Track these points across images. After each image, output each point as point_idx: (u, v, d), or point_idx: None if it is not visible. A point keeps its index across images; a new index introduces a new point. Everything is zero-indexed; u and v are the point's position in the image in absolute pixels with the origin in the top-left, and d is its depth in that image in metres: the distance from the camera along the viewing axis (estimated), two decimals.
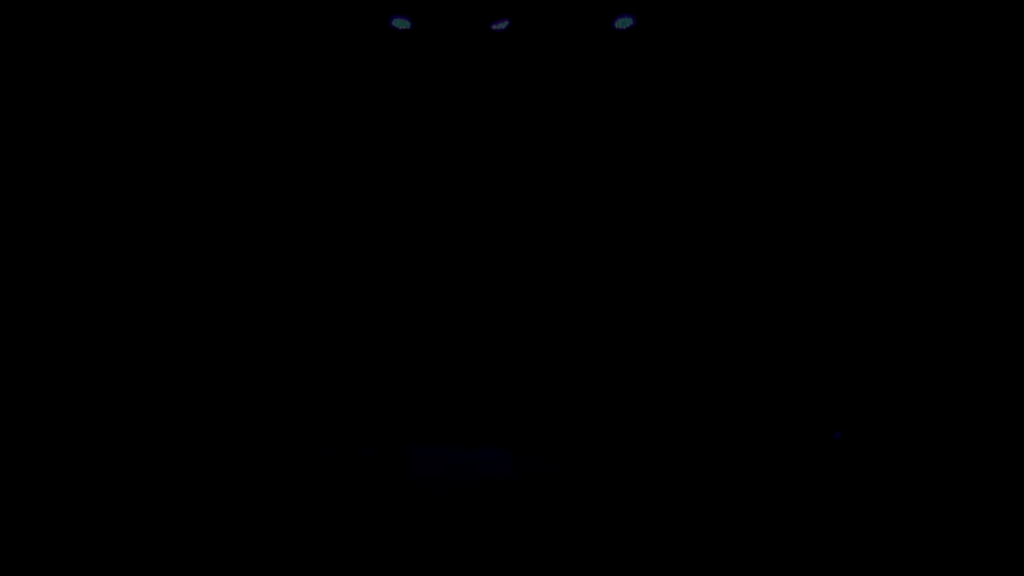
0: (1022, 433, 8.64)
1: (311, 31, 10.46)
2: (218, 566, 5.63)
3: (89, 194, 9.66)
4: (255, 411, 10.32)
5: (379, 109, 10.81)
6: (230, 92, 10.56)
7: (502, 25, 10.20)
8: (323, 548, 5.98)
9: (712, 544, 6.14)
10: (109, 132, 9.92)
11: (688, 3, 10.38)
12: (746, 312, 10.82)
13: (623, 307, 10.91)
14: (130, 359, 9.45)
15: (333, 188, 10.86)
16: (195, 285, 10.54)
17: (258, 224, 10.81)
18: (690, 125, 10.86)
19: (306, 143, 10.83)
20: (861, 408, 9.36)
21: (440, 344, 10.82)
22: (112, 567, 5.50)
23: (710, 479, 7.92)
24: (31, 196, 9.36)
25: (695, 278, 10.93)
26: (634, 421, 10.46)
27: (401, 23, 10.09)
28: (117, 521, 6.49)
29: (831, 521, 6.79)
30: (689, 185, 10.95)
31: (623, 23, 10.11)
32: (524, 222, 10.95)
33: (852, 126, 9.92)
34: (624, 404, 10.75)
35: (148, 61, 10.01)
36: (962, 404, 8.92)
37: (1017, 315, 9.02)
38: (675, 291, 10.91)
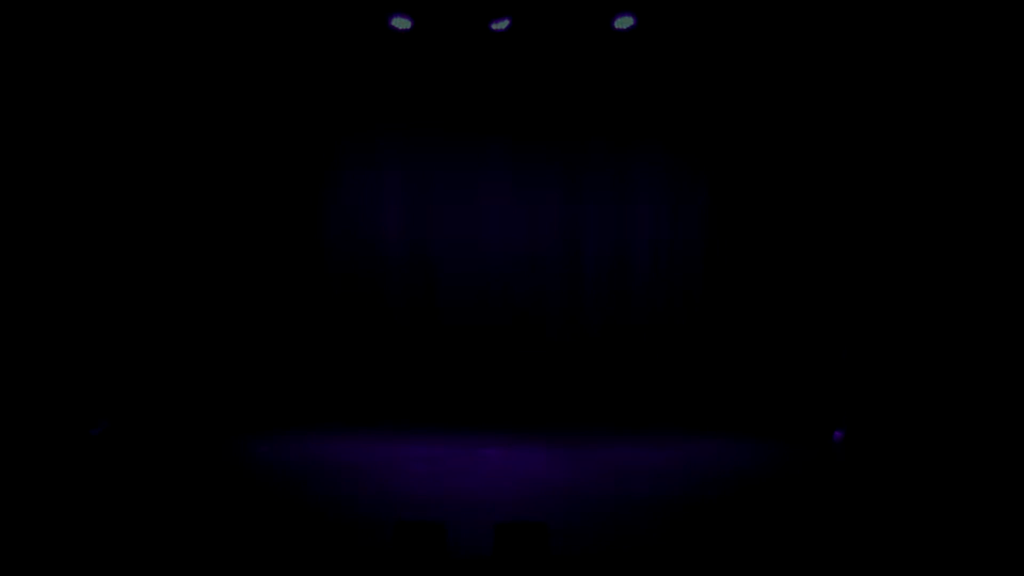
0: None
1: (311, 30, 10.46)
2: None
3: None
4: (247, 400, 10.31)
5: (379, 108, 10.81)
6: (229, 90, 10.56)
7: (502, 25, 10.19)
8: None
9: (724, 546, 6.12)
10: (110, 131, 9.93)
11: (688, 3, 10.38)
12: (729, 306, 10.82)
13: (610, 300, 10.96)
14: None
15: (330, 185, 10.88)
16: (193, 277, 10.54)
17: (246, 221, 10.81)
18: (689, 124, 10.87)
19: (304, 141, 10.84)
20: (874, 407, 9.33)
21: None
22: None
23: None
24: None
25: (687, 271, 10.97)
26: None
27: (401, 23, 10.08)
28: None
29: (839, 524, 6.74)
30: (688, 185, 10.96)
31: (623, 23, 10.10)
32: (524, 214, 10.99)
33: (856, 125, 9.87)
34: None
35: (145, 59, 10.02)
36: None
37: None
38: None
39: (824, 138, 10.17)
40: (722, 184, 10.78)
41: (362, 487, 7.38)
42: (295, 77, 10.55)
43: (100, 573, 5.43)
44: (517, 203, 10.83)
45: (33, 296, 8.86)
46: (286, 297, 10.70)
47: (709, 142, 10.78)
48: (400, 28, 10.06)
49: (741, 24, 10.29)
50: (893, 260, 9.46)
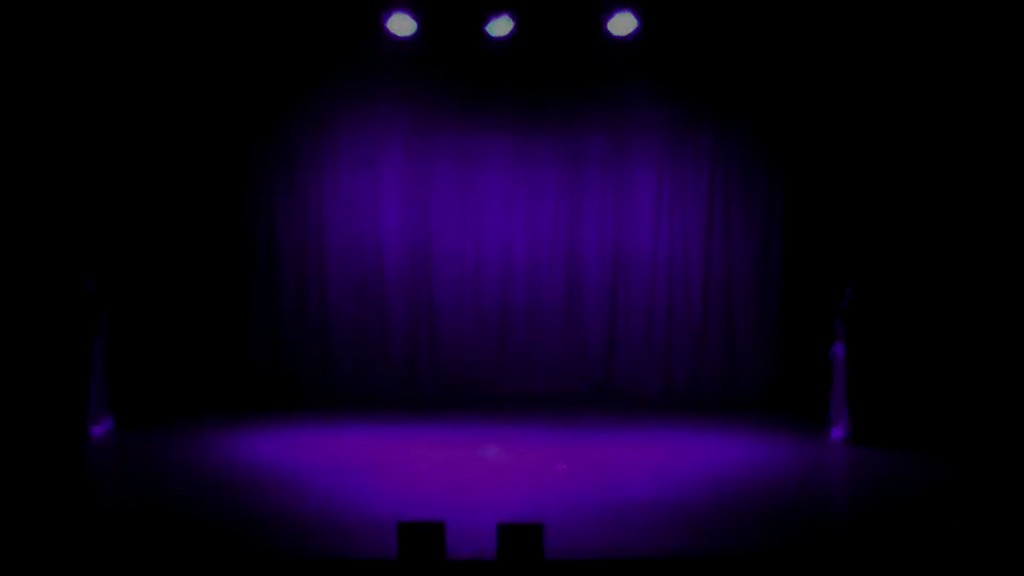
0: None
1: (312, 29, 10.46)
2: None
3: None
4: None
5: (380, 106, 10.81)
6: (228, 89, 10.57)
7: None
8: None
9: None
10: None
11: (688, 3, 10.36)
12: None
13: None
14: None
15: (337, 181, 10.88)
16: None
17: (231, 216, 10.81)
18: (690, 124, 10.86)
19: (303, 140, 10.84)
20: None
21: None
22: None
23: None
24: None
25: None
26: None
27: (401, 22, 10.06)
28: None
29: None
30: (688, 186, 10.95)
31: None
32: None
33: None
34: None
35: (145, 59, 10.05)
36: None
37: None
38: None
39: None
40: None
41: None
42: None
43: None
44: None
45: None
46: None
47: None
48: (400, 28, 10.08)
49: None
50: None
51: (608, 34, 10.18)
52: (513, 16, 10.03)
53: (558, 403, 10.62)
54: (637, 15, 9.99)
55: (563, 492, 7.21)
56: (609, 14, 10.00)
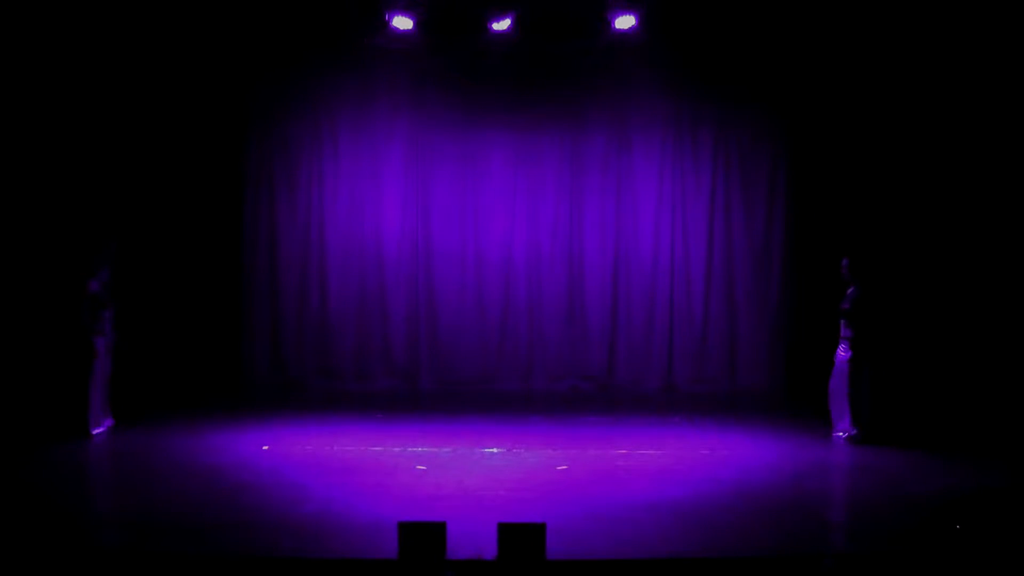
0: None
1: (313, 30, 10.47)
2: None
3: None
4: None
5: (381, 106, 10.82)
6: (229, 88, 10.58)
7: (503, 24, 10.18)
8: None
9: None
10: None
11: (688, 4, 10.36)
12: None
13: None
14: None
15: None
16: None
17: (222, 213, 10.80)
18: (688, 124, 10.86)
19: (305, 138, 10.85)
20: None
21: None
22: None
23: None
24: None
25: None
26: None
27: (402, 22, 10.09)
28: None
29: None
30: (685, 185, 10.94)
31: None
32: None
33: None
34: None
35: (146, 61, 10.07)
36: None
37: None
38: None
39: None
40: None
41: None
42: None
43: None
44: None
45: None
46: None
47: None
48: (401, 28, 10.10)
49: None
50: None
51: (609, 32, 10.17)
52: (514, 15, 10.03)
53: (558, 403, 10.63)
54: (639, 13, 9.98)
55: (563, 492, 7.20)
56: (610, 13, 9.99)
